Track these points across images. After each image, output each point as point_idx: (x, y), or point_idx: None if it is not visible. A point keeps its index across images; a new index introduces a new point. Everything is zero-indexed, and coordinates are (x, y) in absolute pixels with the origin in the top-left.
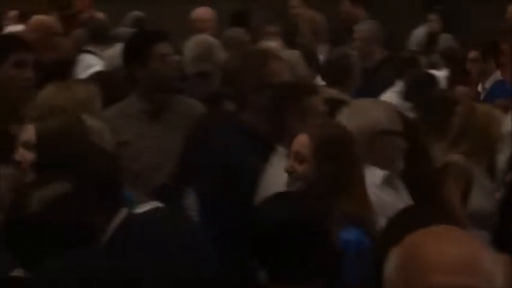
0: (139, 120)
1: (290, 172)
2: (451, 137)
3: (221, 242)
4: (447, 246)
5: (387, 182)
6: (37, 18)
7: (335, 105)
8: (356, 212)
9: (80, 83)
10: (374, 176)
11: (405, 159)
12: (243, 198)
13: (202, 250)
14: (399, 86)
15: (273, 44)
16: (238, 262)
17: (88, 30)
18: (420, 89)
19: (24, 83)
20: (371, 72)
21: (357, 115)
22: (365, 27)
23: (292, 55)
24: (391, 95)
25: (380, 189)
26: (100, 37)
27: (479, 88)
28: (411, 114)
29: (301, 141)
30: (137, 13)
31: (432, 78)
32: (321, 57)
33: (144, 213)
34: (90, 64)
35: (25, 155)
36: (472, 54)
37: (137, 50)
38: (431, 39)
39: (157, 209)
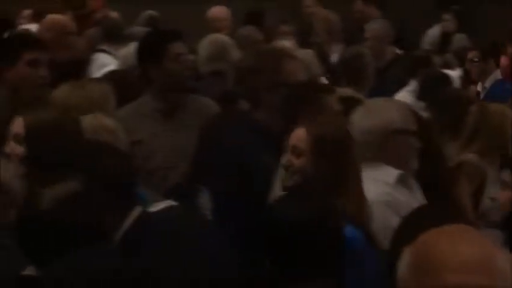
0: (153, 120)
1: (287, 166)
2: (464, 136)
3: (235, 241)
4: (460, 245)
5: (401, 182)
6: (51, 17)
7: (350, 104)
8: (352, 210)
9: (94, 82)
10: (388, 175)
11: (419, 158)
12: (257, 197)
13: (216, 249)
14: (413, 85)
15: (286, 44)
16: (252, 261)
17: (101, 29)
18: (434, 89)
19: (39, 82)
20: (381, 71)
21: (371, 114)
22: (375, 26)
23: (307, 54)
24: (405, 95)
25: (394, 188)
26: (113, 36)
27: (479, 87)
28: (425, 114)
29: (299, 135)
30: (150, 12)
31: (446, 77)
32: (335, 56)
33: (158, 211)
34: (104, 63)
35: (15, 148)
36: (471, 54)
37: (151, 49)
38: (445, 38)
39: (171, 207)
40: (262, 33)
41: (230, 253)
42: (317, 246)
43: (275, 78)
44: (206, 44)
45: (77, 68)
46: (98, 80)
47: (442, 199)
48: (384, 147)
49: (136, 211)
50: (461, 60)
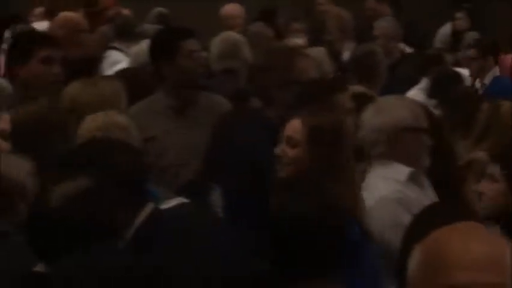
0: (166, 117)
1: (281, 156)
2: (475, 134)
3: (246, 239)
4: (471, 243)
5: (412, 179)
6: (64, 14)
7: (363, 101)
8: (346, 201)
9: (106, 79)
10: (399, 172)
11: (431, 156)
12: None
13: (227, 246)
14: (424, 83)
15: (298, 41)
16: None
17: (114, 26)
18: (445, 87)
19: (52, 79)
20: (390, 69)
21: (382, 112)
22: (384, 24)
23: (319, 52)
24: (416, 92)
25: (405, 186)
26: (125, 34)
27: (477, 84)
28: (436, 112)
29: (294, 126)
30: (160, 9)
31: (457, 75)
32: (347, 54)
33: (170, 209)
34: (116, 61)
35: (1, 145)
36: (470, 52)
37: (164, 46)
38: (457, 37)
39: (182, 204)
40: (273, 30)
41: (242, 251)
42: (317, 246)
43: (287, 76)
44: (218, 41)
45: (89, 66)
46: (110, 77)
47: (453, 197)
48: (394, 144)
49: (148, 208)
50: None
